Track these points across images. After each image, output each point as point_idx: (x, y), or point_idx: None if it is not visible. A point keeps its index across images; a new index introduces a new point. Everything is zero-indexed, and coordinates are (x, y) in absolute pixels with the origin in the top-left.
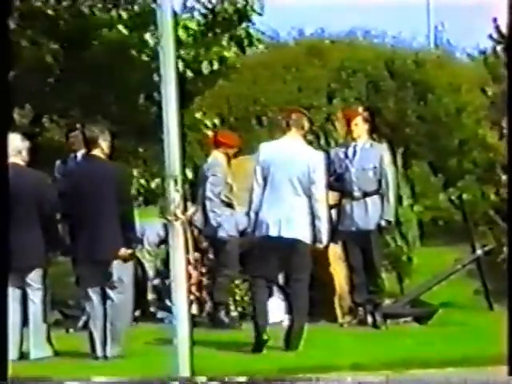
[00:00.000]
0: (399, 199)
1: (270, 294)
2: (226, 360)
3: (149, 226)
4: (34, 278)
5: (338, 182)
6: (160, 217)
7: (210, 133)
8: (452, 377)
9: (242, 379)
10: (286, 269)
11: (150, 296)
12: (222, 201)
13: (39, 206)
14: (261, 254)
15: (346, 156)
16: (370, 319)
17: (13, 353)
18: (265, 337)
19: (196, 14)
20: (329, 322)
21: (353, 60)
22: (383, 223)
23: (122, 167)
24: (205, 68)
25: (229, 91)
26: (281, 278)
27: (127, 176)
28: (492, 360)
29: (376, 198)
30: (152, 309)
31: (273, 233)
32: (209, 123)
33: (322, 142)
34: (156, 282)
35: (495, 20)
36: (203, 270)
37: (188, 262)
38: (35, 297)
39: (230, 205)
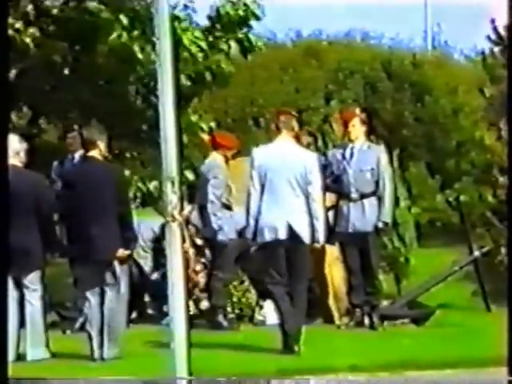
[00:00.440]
0: (396, 201)
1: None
2: (223, 361)
3: (143, 222)
4: (32, 279)
5: (335, 183)
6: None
7: (205, 136)
8: (449, 378)
9: (240, 381)
10: (289, 270)
11: (147, 298)
12: (222, 203)
13: (37, 208)
14: (272, 260)
15: (344, 157)
16: (367, 320)
17: (10, 354)
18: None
19: (197, 18)
20: (326, 323)
21: (350, 61)
22: (380, 225)
23: (119, 168)
24: (208, 75)
25: (226, 92)
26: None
27: (125, 177)
28: (489, 361)
29: (373, 199)
30: (150, 311)
31: (281, 236)
32: (205, 126)
33: (320, 143)
34: (153, 277)
35: (493, 21)
36: (198, 268)
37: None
38: (32, 298)
39: (228, 207)
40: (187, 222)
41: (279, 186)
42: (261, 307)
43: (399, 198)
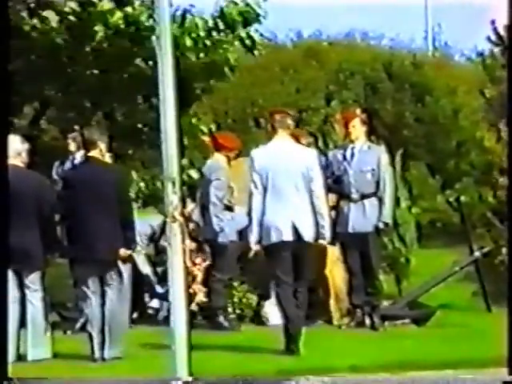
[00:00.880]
0: (397, 201)
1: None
2: (224, 362)
3: (141, 218)
4: (33, 279)
5: (336, 184)
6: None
7: (206, 138)
8: (450, 378)
9: (241, 381)
10: (294, 271)
11: (147, 295)
12: (224, 204)
13: (38, 208)
14: (279, 261)
15: (344, 158)
16: (367, 321)
17: (10, 354)
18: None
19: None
20: (327, 323)
21: (351, 62)
22: (381, 225)
23: (120, 169)
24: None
25: (226, 93)
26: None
27: (126, 177)
28: (490, 362)
29: (374, 200)
30: (150, 311)
31: (287, 237)
32: (205, 128)
33: (320, 143)
34: (149, 272)
35: (493, 22)
36: (197, 261)
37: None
38: (33, 298)
39: (230, 208)
40: (189, 219)
41: (282, 186)
42: (262, 307)
43: (400, 199)
